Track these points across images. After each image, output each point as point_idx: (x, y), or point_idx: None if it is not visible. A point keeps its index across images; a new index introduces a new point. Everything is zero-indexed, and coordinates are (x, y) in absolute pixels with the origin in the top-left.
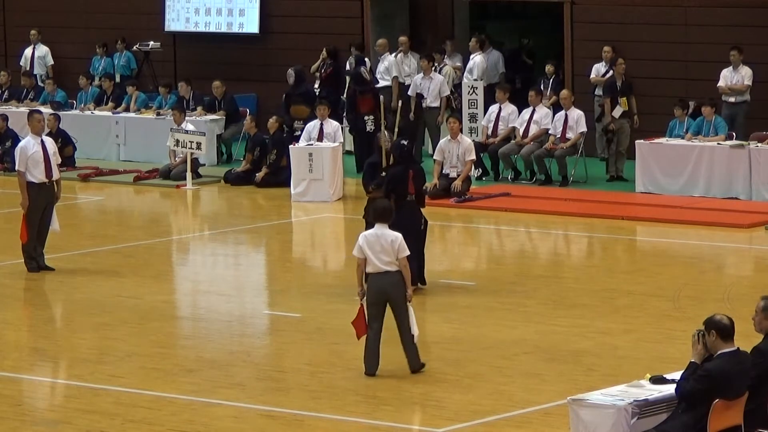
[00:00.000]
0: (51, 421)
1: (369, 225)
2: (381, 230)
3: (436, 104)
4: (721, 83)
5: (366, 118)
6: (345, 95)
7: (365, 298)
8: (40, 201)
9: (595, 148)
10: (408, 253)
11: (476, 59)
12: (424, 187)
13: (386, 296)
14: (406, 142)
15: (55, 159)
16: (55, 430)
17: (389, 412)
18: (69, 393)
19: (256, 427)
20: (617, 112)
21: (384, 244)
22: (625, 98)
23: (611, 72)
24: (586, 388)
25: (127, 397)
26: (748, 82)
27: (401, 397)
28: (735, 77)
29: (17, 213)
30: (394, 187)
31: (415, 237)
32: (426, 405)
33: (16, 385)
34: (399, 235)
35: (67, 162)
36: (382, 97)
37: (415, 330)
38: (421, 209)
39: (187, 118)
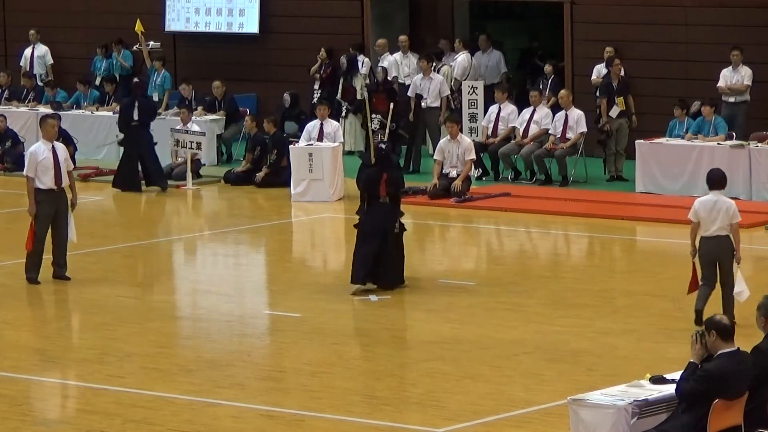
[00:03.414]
0: (51, 421)
1: (360, 220)
2: (717, 196)
3: (436, 104)
4: (720, 83)
5: (373, 116)
6: (339, 95)
7: (696, 258)
8: (48, 208)
9: (595, 148)
10: (740, 218)
11: (459, 59)
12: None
13: (716, 258)
14: (384, 145)
15: (67, 165)
16: (55, 430)
17: (389, 412)
18: (69, 393)
19: (256, 427)
20: (614, 112)
21: (720, 210)
22: (622, 98)
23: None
24: (586, 388)
25: (127, 397)
26: (748, 82)
27: (401, 397)
28: (735, 77)
29: (17, 213)
30: (367, 188)
31: (384, 239)
32: (426, 405)
33: (16, 385)
34: (733, 202)
35: None
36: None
37: (740, 289)
38: (398, 213)
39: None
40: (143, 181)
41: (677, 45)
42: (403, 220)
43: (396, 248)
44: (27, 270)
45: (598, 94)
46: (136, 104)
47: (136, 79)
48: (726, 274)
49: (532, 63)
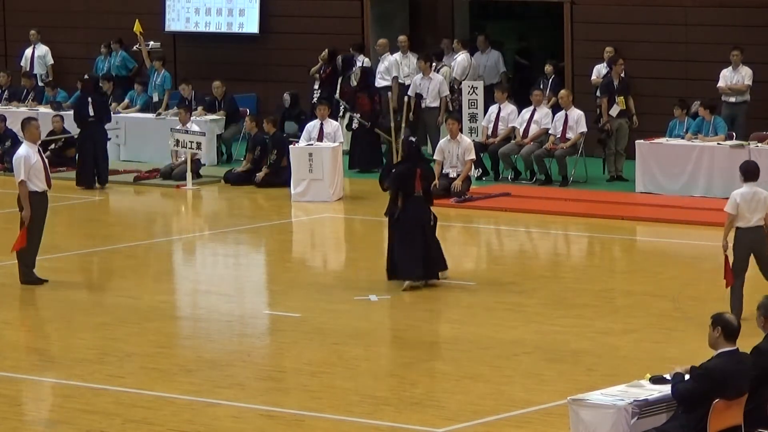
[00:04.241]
0: (51, 421)
1: (398, 217)
2: (753, 188)
3: (436, 104)
4: (721, 83)
5: (353, 115)
6: (338, 94)
7: (728, 250)
8: (42, 210)
9: (595, 148)
10: None
11: (458, 59)
12: (432, 185)
13: (753, 249)
14: (414, 139)
15: None
16: (55, 430)
17: (389, 412)
18: (69, 393)
19: (256, 427)
20: (615, 111)
21: (759, 200)
22: (622, 97)
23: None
24: (586, 388)
25: (127, 397)
26: (748, 82)
27: (401, 397)
28: (735, 77)
29: (17, 213)
30: (401, 184)
31: (423, 232)
32: (426, 405)
33: (16, 385)
34: None
35: (69, 162)
36: (389, 94)
37: None
38: (431, 206)
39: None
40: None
41: (677, 45)
42: None
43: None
44: (26, 275)
45: (598, 93)
46: (90, 101)
47: (86, 76)
48: (764, 264)
49: (516, 62)
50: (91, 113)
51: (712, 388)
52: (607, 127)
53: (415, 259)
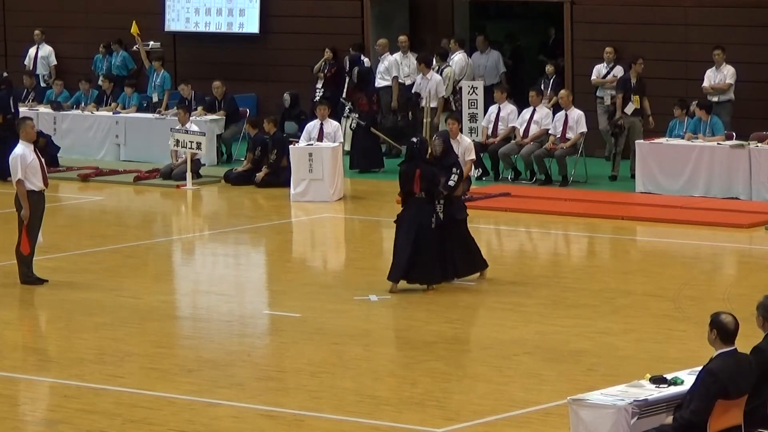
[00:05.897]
0: (51, 421)
1: (397, 217)
2: None
3: (434, 104)
4: (705, 83)
5: (354, 115)
6: (344, 95)
7: None
8: (40, 209)
9: (595, 148)
10: None
11: (455, 59)
12: (447, 185)
13: None
14: (415, 140)
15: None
16: (55, 430)
17: (389, 412)
18: (69, 393)
19: (256, 427)
20: (629, 109)
21: None
22: (638, 96)
23: (613, 72)
24: (586, 388)
25: (127, 397)
26: (730, 80)
27: (401, 397)
28: (717, 76)
29: (16, 214)
30: (401, 184)
31: (422, 235)
32: (426, 405)
33: (15, 385)
34: None
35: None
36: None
37: None
38: (440, 205)
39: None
40: None
41: (677, 45)
42: None
43: (451, 241)
44: (26, 275)
45: (601, 93)
46: (11, 97)
47: (5, 74)
48: None
49: (506, 62)
50: (13, 110)
51: (724, 385)
52: (620, 122)
53: (399, 262)
